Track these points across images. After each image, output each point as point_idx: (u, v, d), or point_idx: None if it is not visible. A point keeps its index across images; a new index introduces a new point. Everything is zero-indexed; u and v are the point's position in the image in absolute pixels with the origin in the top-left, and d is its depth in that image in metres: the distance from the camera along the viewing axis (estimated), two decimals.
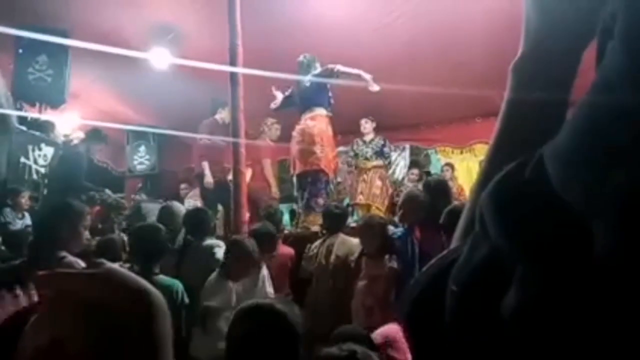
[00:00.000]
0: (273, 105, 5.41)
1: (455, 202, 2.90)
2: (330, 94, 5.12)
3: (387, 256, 3.27)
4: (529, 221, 0.31)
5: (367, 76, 4.82)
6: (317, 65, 5.13)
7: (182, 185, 7.12)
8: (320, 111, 5.00)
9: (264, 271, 3.27)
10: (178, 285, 2.81)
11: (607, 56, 0.31)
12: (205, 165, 5.56)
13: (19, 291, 2.01)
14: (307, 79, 5.01)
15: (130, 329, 0.64)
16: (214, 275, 3.10)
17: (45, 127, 6.51)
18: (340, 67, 4.84)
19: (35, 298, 1.93)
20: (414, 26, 5.39)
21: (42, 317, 0.69)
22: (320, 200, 4.90)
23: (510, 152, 0.39)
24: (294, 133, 5.06)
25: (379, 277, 3.24)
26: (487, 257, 0.35)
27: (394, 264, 3.23)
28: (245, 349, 1.56)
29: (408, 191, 4.34)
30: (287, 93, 5.28)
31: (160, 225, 3.23)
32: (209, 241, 3.54)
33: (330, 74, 4.87)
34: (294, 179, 5.33)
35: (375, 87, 4.84)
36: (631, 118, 0.27)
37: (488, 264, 0.35)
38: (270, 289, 3.23)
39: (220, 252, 3.35)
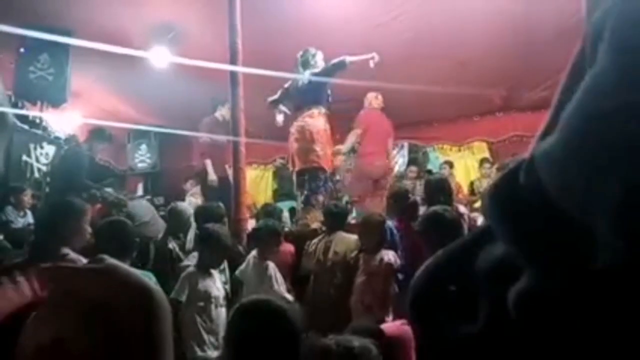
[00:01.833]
0: (270, 99, 5.39)
1: (435, 207, 2.96)
2: (329, 92, 5.12)
3: (382, 251, 3.30)
4: (526, 226, 0.33)
5: (374, 59, 4.86)
6: (318, 60, 5.10)
7: (191, 181, 7.04)
8: (319, 109, 5.00)
9: (271, 269, 3.31)
10: (150, 277, 2.82)
11: (598, 59, 0.32)
12: (208, 163, 5.56)
13: (19, 278, 2.02)
14: (306, 77, 4.99)
15: (131, 326, 0.66)
16: (190, 269, 3.12)
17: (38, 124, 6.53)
18: (349, 58, 4.84)
19: (37, 290, 1.96)
20: (413, 25, 5.40)
21: (43, 315, 0.70)
22: (320, 197, 4.91)
23: None
24: (292, 130, 5.04)
25: (376, 273, 3.26)
26: (505, 252, 0.37)
27: (391, 260, 3.26)
28: (244, 346, 1.55)
29: (393, 185, 4.57)
30: (285, 85, 5.27)
31: (128, 221, 3.18)
32: None
33: (341, 65, 4.85)
34: (294, 177, 5.34)
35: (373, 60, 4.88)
36: (623, 121, 0.29)
37: (506, 259, 0.36)
38: (280, 287, 3.28)
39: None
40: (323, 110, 5.01)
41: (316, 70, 5.02)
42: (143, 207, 4.96)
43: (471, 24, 5.27)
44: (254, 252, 3.49)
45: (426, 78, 5.44)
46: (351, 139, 5.67)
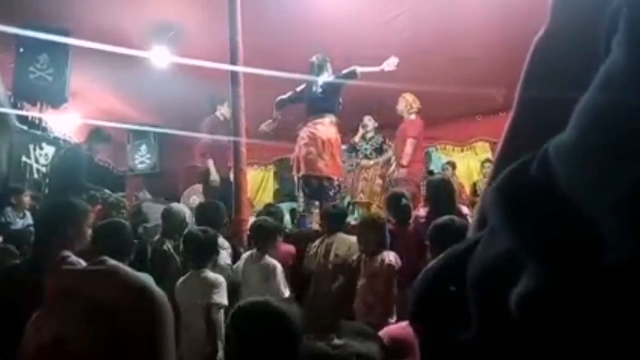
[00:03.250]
0: (278, 97, 5.37)
1: (445, 217, 2.90)
2: (340, 100, 5.10)
3: (383, 252, 3.28)
4: (534, 220, 0.31)
5: (388, 65, 4.87)
6: (329, 66, 5.09)
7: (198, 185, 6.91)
8: (330, 117, 4.99)
9: (278, 269, 3.29)
10: (148, 278, 2.77)
11: (612, 51, 0.31)
12: (210, 163, 5.56)
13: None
14: (319, 84, 4.99)
15: (133, 327, 0.64)
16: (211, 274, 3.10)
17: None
18: (359, 69, 4.83)
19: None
20: (415, 23, 5.39)
21: (45, 316, 0.69)
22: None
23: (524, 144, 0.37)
24: (302, 135, 5.01)
25: (378, 275, 3.23)
26: (501, 252, 0.35)
27: (392, 261, 3.23)
28: (243, 348, 1.55)
29: (393, 189, 4.62)
30: (298, 89, 5.25)
31: (126, 222, 3.16)
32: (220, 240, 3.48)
33: (351, 75, 4.85)
34: (295, 178, 5.32)
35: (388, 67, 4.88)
36: (636, 114, 0.28)
37: (502, 259, 0.34)
38: (284, 289, 3.25)
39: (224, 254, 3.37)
40: (334, 119, 5.01)
41: (329, 78, 5.02)
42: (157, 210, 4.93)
43: (471, 21, 5.26)
44: (251, 251, 3.47)
45: (427, 77, 5.41)
46: (409, 149, 5.49)
